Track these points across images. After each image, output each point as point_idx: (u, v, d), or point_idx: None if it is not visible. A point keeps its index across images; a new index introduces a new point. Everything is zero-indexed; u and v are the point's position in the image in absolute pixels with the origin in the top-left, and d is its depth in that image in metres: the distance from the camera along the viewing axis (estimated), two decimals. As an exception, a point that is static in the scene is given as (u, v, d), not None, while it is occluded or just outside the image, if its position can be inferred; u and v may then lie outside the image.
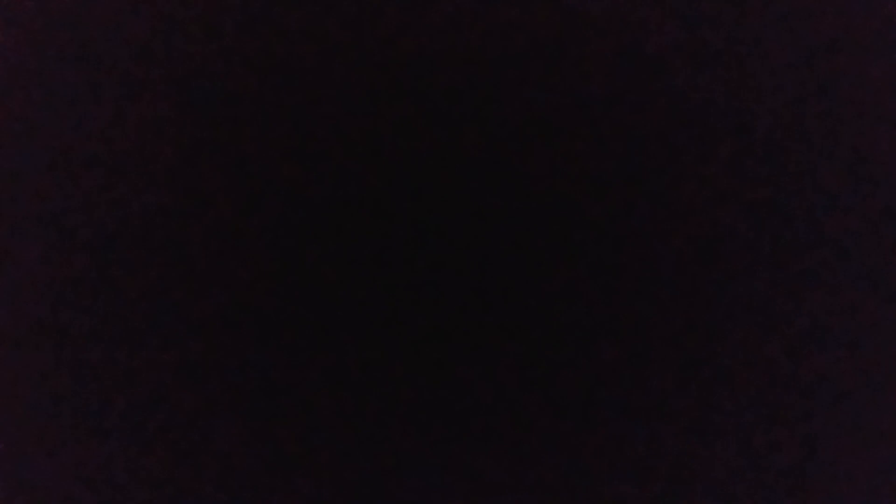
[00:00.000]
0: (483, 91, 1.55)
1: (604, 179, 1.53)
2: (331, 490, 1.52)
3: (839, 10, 1.55)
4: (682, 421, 1.52)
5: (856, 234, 1.54)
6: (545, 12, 1.54)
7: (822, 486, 1.52)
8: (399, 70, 1.55)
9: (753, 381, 1.52)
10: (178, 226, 1.54)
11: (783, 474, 1.52)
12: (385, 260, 1.54)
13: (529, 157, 1.54)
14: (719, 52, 1.55)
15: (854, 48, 1.55)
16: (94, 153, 1.55)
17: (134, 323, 1.53)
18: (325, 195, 1.54)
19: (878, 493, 1.52)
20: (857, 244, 1.53)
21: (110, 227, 1.54)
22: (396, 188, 1.54)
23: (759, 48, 1.55)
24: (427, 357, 1.53)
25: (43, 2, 1.54)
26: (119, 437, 1.53)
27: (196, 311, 1.53)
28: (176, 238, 1.54)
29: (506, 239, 1.53)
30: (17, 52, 1.54)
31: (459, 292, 1.53)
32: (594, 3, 1.53)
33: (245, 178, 1.54)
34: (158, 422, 1.53)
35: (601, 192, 1.53)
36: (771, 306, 1.53)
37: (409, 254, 1.53)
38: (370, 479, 1.52)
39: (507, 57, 1.55)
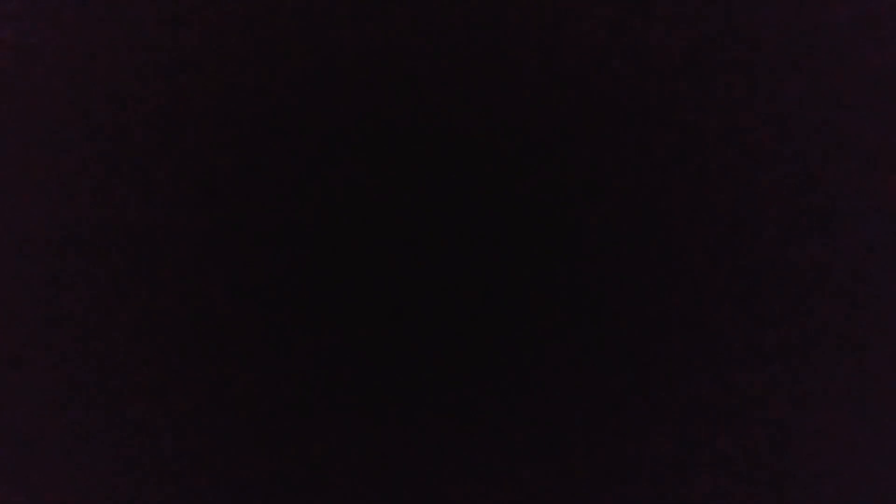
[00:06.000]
0: (482, 91, 1.55)
1: (603, 179, 1.53)
2: (331, 490, 1.52)
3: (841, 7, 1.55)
4: (681, 422, 1.52)
5: (857, 233, 1.54)
6: (545, 12, 1.54)
7: (822, 486, 1.52)
8: (398, 70, 1.55)
9: (753, 382, 1.52)
10: (176, 226, 1.54)
11: (782, 475, 1.52)
12: (385, 261, 1.54)
13: (527, 157, 1.54)
14: (720, 50, 1.55)
15: (854, 48, 1.55)
16: (92, 152, 1.55)
17: (133, 323, 1.54)
18: (325, 195, 1.54)
19: (878, 493, 1.52)
20: (857, 244, 1.54)
21: (109, 227, 1.55)
22: (396, 188, 1.54)
23: (758, 48, 1.55)
24: (428, 359, 1.53)
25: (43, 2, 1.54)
26: (119, 437, 1.53)
27: (194, 311, 1.54)
28: (174, 238, 1.54)
29: (506, 239, 1.53)
30: (16, 52, 1.54)
31: (460, 293, 1.53)
32: (595, 4, 1.53)
33: (244, 178, 1.54)
34: (157, 422, 1.53)
35: (600, 193, 1.53)
36: (772, 307, 1.53)
37: (409, 255, 1.54)
38: (370, 480, 1.52)
39: (507, 56, 1.55)
